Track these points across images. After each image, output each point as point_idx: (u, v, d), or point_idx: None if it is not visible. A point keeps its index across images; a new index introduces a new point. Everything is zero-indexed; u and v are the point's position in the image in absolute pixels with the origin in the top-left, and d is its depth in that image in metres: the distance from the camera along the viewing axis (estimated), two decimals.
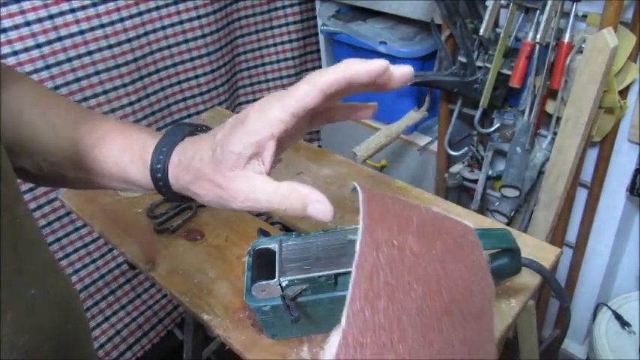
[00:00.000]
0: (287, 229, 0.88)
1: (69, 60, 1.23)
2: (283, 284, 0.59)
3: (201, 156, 0.42)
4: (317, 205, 0.38)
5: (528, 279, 0.69)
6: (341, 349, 0.22)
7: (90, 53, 1.26)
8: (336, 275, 0.61)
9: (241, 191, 0.40)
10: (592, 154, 1.16)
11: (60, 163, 0.46)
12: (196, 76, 1.49)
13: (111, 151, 0.46)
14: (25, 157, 0.46)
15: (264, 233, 0.64)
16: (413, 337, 0.22)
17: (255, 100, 1.77)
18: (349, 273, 0.49)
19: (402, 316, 0.23)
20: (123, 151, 0.46)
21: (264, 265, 0.60)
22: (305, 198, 0.38)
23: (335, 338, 0.23)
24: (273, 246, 0.62)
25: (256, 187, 0.40)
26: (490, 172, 1.20)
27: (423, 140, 1.40)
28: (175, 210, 0.90)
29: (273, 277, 0.59)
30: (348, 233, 0.63)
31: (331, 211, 0.38)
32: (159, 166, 0.44)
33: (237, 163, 0.40)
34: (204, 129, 0.47)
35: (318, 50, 1.63)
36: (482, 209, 1.31)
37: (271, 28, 1.60)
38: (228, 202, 0.41)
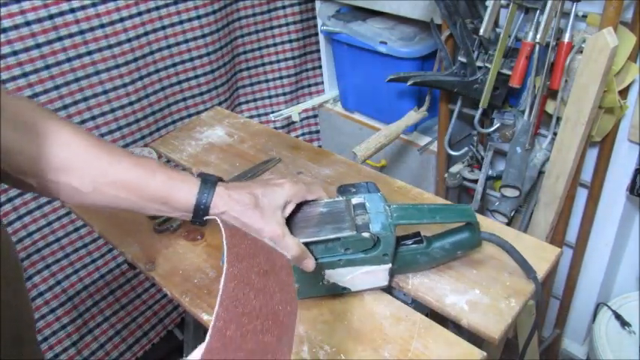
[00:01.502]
0: None
1: (69, 60, 1.23)
2: None
3: (240, 198, 0.62)
4: (310, 262, 0.65)
5: (528, 280, 0.69)
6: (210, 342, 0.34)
7: (90, 53, 1.26)
8: (306, 244, 0.64)
9: (271, 228, 0.61)
10: (592, 154, 1.16)
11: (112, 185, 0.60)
12: (196, 76, 1.49)
13: (168, 180, 0.62)
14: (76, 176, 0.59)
15: None
16: (247, 338, 0.37)
17: (254, 100, 1.78)
18: (318, 242, 0.66)
19: (243, 323, 0.38)
20: (176, 181, 0.62)
21: None
22: (306, 255, 0.64)
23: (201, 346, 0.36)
24: None
25: (280, 229, 0.62)
26: (490, 172, 1.20)
27: (423, 140, 1.40)
28: None
29: None
30: (319, 207, 0.68)
31: (313, 267, 0.65)
32: (205, 195, 0.61)
33: (274, 210, 0.63)
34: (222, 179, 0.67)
35: (318, 50, 1.63)
36: (482, 209, 1.31)
37: (271, 28, 1.60)
38: (260, 231, 0.61)
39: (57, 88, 1.24)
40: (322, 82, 1.70)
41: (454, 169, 1.27)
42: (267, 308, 0.42)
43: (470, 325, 0.65)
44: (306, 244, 0.64)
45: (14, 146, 0.54)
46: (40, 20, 1.16)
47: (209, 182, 0.63)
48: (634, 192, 1.13)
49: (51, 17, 1.17)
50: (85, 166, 0.59)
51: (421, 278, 0.72)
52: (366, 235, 0.64)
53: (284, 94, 1.71)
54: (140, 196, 0.61)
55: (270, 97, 1.72)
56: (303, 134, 1.83)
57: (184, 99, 1.52)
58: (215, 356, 0.34)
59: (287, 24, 1.60)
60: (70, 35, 1.21)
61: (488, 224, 0.80)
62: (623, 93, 1.05)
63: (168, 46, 1.41)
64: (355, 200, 0.69)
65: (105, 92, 1.32)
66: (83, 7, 1.21)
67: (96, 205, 0.62)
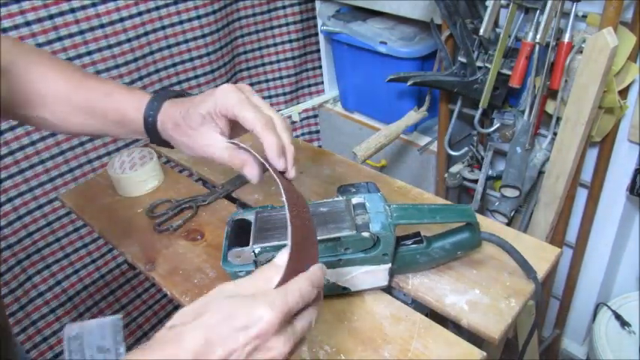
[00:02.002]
0: None
1: (69, 60, 1.23)
2: (256, 251, 0.64)
3: (180, 111, 0.58)
4: (249, 169, 0.57)
5: (528, 280, 0.69)
6: (293, 246, 0.45)
7: (90, 53, 1.26)
8: None
9: (201, 144, 0.57)
10: (592, 154, 1.16)
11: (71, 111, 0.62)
12: (196, 76, 1.49)
13: (119, 98, 0.62)
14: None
15: (242, 206, 0.67)
16: (308, 241, 0.49)
17: None
18: (318, 242, 0.63)
19: (306, 235, 0.49)
20: (127, 99, 0.61)
21: (242, 234, 0.65)
22: (244, 162, 0.57)
23: (285, 250, 0.45)
24: (250, 217, 0.68)
25: (211, 143, 0.57)
26: (490, 172, 1.20)
27: (423, 140, 1.40)
28: (175, 210, 0.90)
29: (248, 245, 0.64)
30: (319, 206, 0.69)
31: (257, 177, 0.57)
32: (151, 111, 0.59)
33: (201, 122, 0.56)
34: (185, 94, 0.64)
35: (318, 50, 1.63)
36: (482, 209, 1.31)
37: (271, 28, 1.60)
38: (192, 150, 0.59)
39: None
40: (322, 82, 1.70)
41: (454, 169, 1.27)
42: (304, 214, 0.51)
43: (470, 325, 0.65)
44: None
45: None
46: (40, 20, 1.16)
47: (158, 97, 0.60)
48: (634, 192, 1.13)
49: (51, 17, 1.17)
50: (56, 100, 0.60)
51: (421, 278, 0.72)
52: (365, 234, 0.64)
53: (284, 94, 1.71)
54: (103, 121, 0.61)
55: (270, 97, 1.72)
56: (303, 134, 1.83)
57: None
58: (300, 248, 0.45)
59: (287, 24, 1.60)
60: (70, 35, 1.21)
61: (488, 224, 0.80)
62: (623, 93, 1.05)
63: (169, 46, 1.41)
64: (355, 200, 0.69)
65: None
66: (83, 7, 1.21)
67: (69, 132, 0.64)
